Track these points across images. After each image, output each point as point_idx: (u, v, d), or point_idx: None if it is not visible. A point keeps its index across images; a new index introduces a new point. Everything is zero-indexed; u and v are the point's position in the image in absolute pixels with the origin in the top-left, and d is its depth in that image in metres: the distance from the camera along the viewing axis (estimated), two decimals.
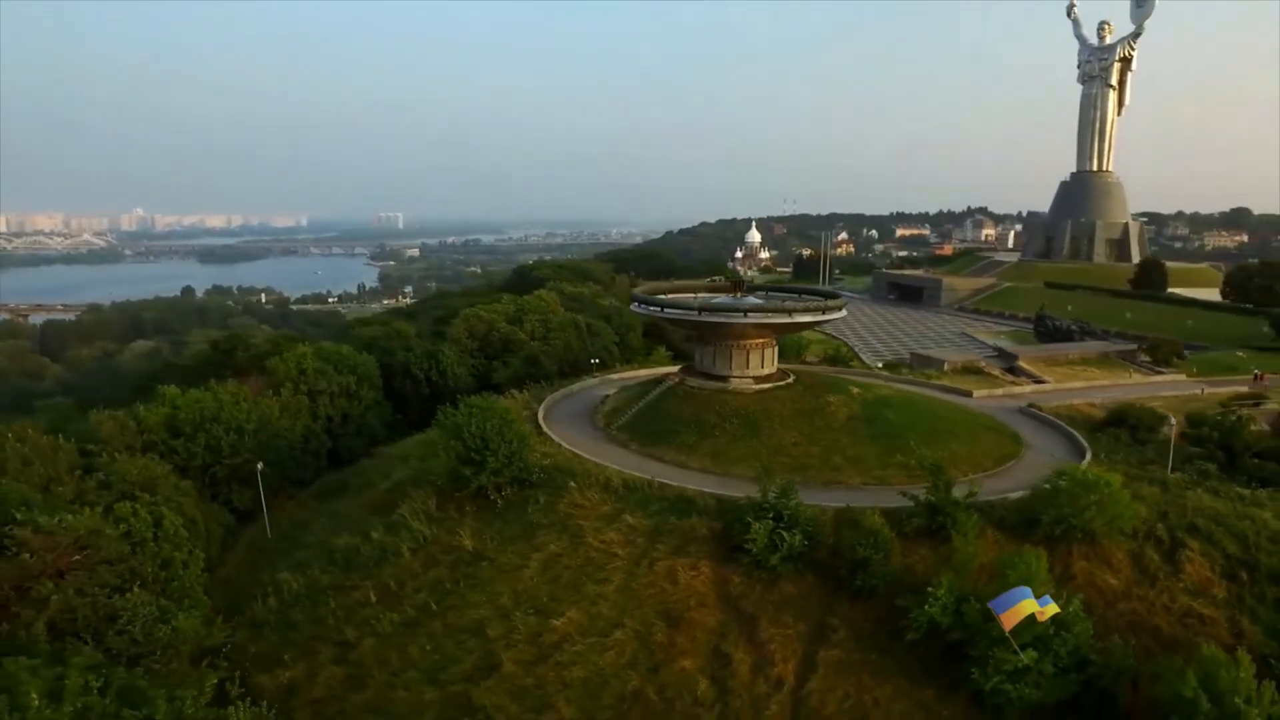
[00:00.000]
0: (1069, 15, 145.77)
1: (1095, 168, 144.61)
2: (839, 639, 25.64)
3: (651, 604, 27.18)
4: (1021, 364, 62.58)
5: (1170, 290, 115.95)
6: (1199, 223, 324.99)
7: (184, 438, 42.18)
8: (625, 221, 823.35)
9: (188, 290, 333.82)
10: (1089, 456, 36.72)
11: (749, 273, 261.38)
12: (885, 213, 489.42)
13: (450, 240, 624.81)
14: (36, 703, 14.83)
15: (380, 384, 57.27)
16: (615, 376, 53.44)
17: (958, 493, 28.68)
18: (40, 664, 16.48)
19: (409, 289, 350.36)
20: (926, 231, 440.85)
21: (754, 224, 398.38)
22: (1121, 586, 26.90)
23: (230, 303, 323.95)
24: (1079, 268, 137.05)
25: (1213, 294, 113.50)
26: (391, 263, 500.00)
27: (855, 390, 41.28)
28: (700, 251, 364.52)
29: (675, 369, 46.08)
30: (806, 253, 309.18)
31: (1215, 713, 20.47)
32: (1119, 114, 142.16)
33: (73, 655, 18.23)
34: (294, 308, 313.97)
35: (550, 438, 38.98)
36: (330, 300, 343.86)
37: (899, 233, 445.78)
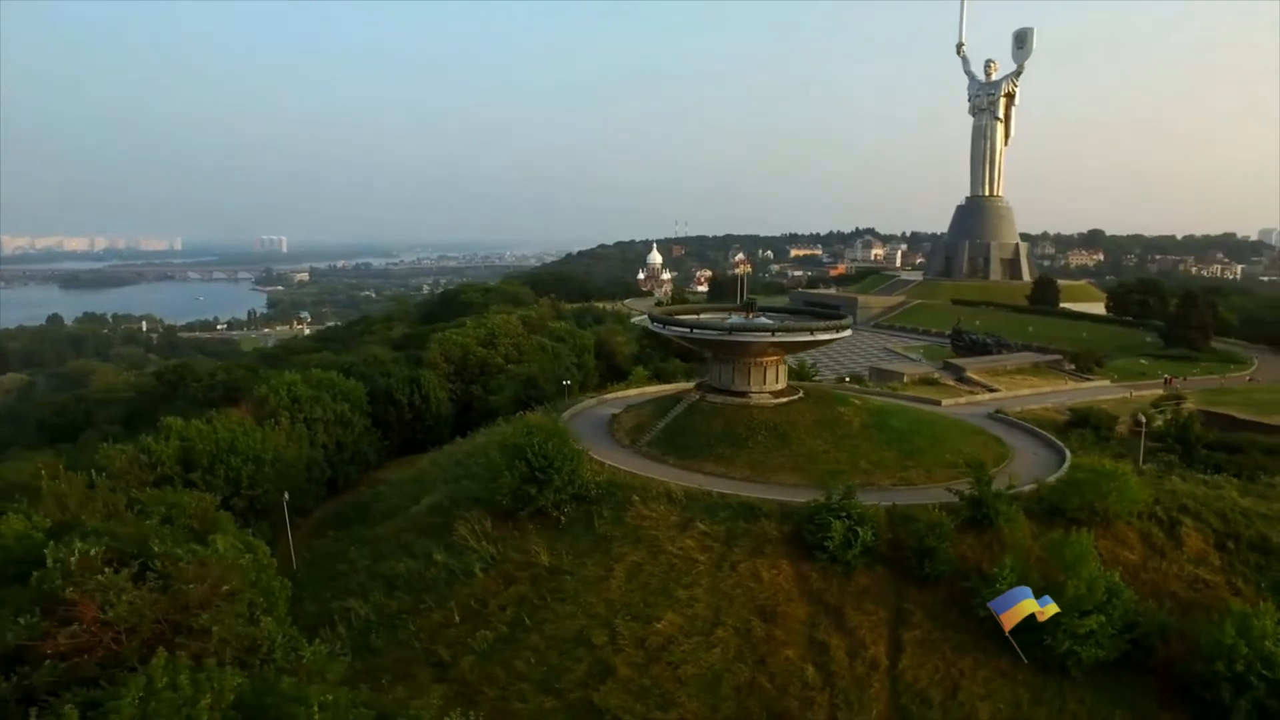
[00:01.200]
0: (958, 53, 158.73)
1: (987, 193, 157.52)
2: (917, 621, 28.62)
3: (742, 602, 29.40)
4: (971, 374, 68.56)
5: (1061, 305, 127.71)
6: (1062, 243, 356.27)
7: (200, 470, 41.22)
8: (518, 244, 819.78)
9: (55, 318, 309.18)
10: (1069, 456, 41.27)
11: (658, 294, 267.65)
12: (778, 234, 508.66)
13: (340, 264, 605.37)
14: (317, 716, 15.56)
15: (369, 410, 56.97)
16: (610, 396, 55.18)
17: (995, 486, 32.35)
18: (297, 682, 17.07)
19: (305, 314, 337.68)
20: (819, 251, 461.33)
21: (654, 246, 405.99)
22: (1139, 560, 31.17)
23: (106, 331, 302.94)
24: (979, 285, 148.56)
25: (1097, 308, 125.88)
26: (280, 288, 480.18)
27: (857, 402, 44.88)
28: (602, 273, 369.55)
29: (686, 386, 48.53)
30: (708, 274, 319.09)
31: (1251, 655, 24.55)
32: (1006, 144, 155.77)
33: (327, 671, 18.67)
34: (182, 335, 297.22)
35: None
36: (220, 327, 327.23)
37: (793, 253, 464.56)
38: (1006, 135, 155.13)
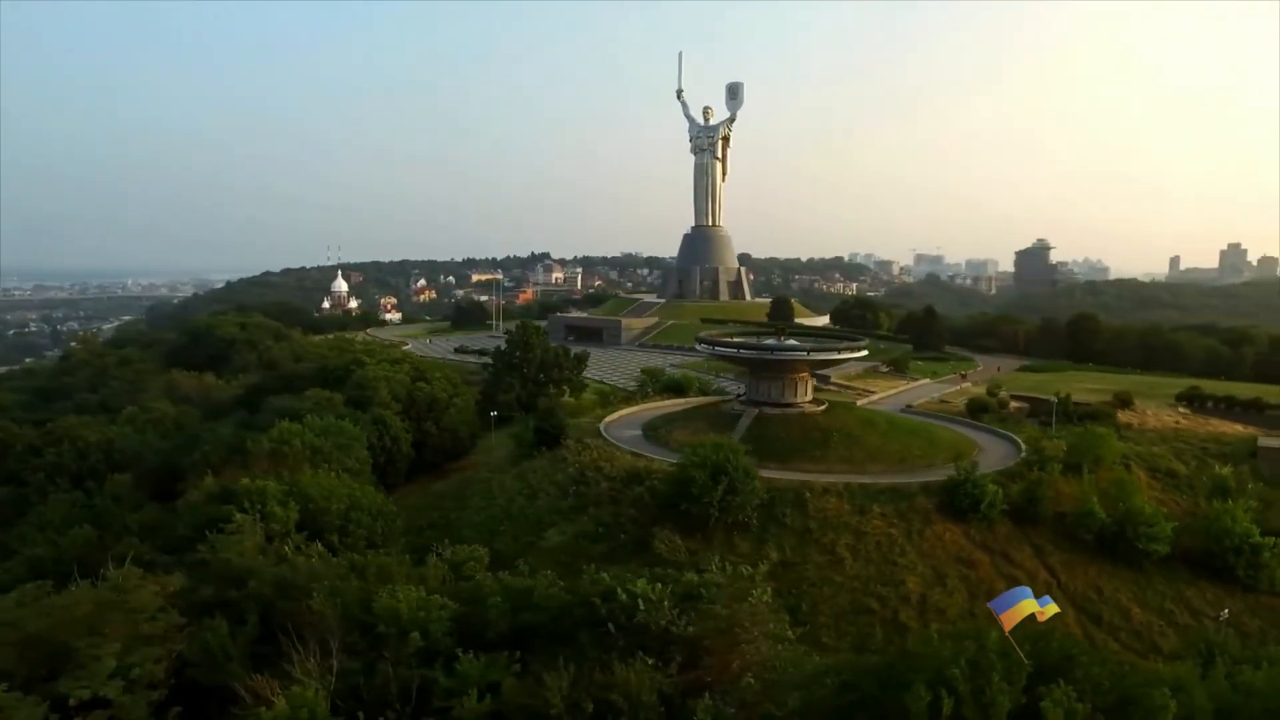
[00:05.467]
0: (679, 99, 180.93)
1: (710, 223, 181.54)
2: (1050, 550, 39.94)
3: (944, 558, 38.23)
4: (835, 380, 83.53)
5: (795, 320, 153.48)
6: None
7: (334, 532, 38.11)
8: (143, 271, 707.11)
9: None
10: (1017, 437, 55.83)
11: (391, 318, 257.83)
12: (456, 258, 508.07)
13: None
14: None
15: (368, 455, 53.98)
16: (611, 419, 59.19)
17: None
18: None
19: None
20: (500, 276, 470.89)
21: (339, 273, 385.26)
22: None
23: None
24: (715, 305, 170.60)
25: (821, 322, 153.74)
26: None
27: (860, 406, 55.82)
28: (280, 302, 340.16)
29: (711, 400, 55.39)
30: (393, 300, 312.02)
31: (1240, 529, 39.79)
32: (724, 180, 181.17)
33: None
34: None
35: None
36: None
37: (474, 278, 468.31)
38: (724, 172, 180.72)
